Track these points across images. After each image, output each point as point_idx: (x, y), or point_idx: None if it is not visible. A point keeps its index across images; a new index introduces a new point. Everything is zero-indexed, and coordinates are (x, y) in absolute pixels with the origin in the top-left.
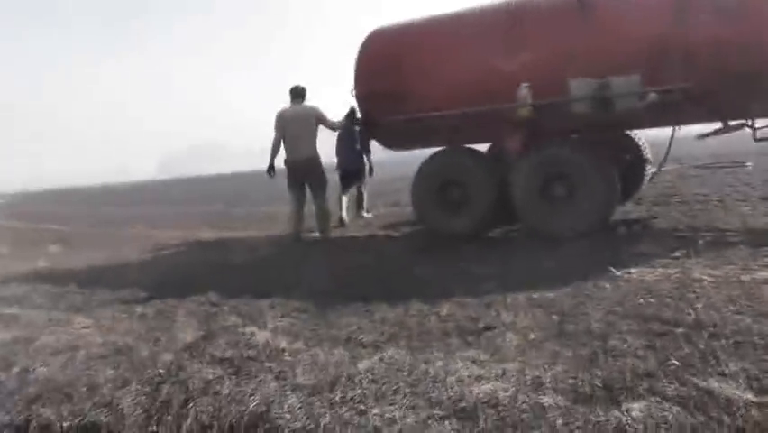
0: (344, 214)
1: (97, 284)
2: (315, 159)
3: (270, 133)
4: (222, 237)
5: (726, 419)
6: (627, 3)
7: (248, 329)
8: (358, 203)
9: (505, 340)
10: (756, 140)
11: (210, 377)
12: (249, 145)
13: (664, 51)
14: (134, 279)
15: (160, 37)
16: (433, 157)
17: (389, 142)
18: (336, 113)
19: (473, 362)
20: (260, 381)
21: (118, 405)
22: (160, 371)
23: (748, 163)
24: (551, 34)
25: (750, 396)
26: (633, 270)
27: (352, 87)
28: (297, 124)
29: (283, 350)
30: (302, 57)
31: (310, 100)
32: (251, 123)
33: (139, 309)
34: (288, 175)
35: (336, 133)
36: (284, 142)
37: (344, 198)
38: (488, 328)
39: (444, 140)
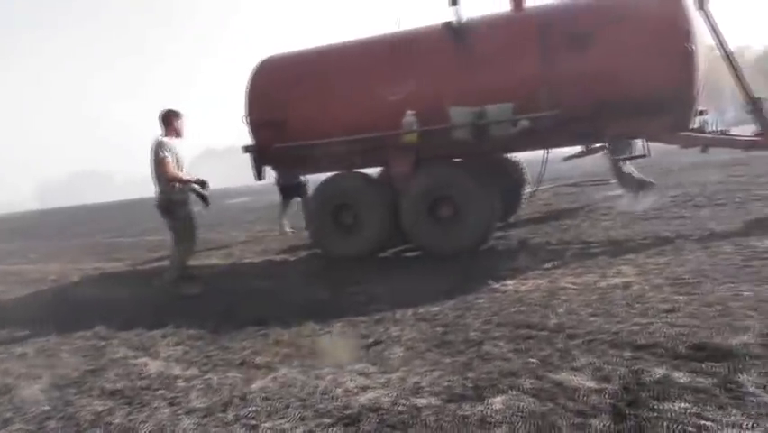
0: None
1: None
2: (161, 199)
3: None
4: (109, 269)
5: (571, 404)
6: (499, 37)
7: (140, 360)
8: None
9: (391, 353)
10: (613, 160)
11: (100, 409)
12: (135, 173)
13: (533, 82)
14: (11, 318)
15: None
16: (325, 182)
17: (282, 168)
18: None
19: (361, 374)
20: (154, 408)
21: None
22: (45, 407)
23: (612, 180)
24: (432, 66)
25: (593, 384)
26: (509, 282)
27: (244, 114)
28: (151, 157)
29: (177, 377)
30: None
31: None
32: (136, 149)
33: (18, 349)
34: None
35: None
36: None
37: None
38: (376, 343)
39: (336, 165)
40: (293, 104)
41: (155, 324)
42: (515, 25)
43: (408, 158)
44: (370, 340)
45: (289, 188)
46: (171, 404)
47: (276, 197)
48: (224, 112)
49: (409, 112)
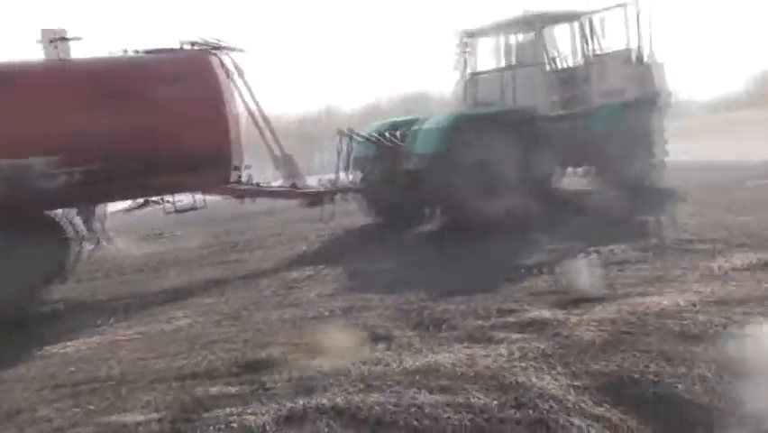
0: None
1: None
2: None
3: None
4: None
5: None
6: (45, 86)
7: None
8: None
9: None
10: (168, 212)
11: None
12: None
13: (82, 134)
14: None
15: None
16: None
17: None
18: None
19: None
20: None
21: None
22: None
23: (177, 232)
24: None
25: (154, 415)
26: (62, 343)
27: None
28: None
29: None
30: None
31: None
32: None
33: None
34: None
35: None
36: None
37: None
38: None
39: None
40: None
41: None
42: (63, 75)
43: None
44: None
45: None
46: None
47: None
48: None
49: None
